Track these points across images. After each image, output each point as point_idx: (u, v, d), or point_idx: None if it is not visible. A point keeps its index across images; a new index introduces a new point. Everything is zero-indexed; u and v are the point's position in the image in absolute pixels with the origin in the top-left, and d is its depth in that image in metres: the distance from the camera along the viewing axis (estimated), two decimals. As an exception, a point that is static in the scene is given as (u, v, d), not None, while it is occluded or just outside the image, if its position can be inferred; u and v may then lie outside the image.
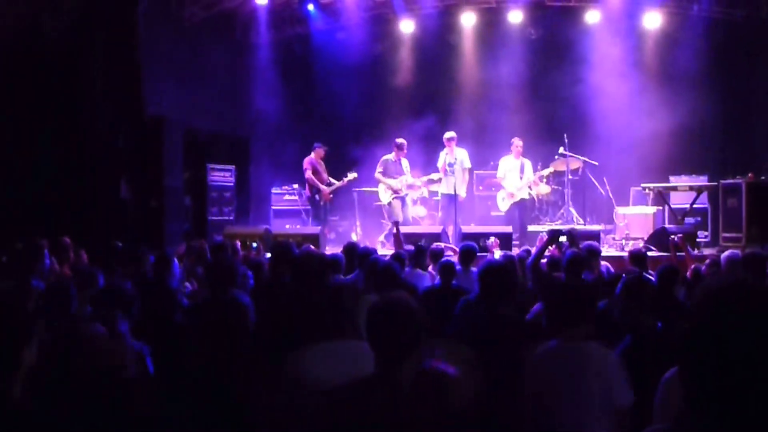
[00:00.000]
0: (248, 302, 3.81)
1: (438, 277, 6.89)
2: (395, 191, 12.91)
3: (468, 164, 12.85)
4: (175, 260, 7.28)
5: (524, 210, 12.85)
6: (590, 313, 3.96)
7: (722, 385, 1.64)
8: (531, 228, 12.85)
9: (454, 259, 8.23)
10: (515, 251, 9.66)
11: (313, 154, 13.15)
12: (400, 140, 13.02)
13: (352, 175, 13.17)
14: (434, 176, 13.18)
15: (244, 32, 14.91)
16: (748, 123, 14.11)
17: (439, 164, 12.81)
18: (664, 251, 10.75)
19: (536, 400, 3.82)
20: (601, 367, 3.68)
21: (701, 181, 13.10)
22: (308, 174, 13.06)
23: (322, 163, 13.25)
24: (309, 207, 13.57)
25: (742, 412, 1.62)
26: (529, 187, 13.01)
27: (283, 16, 14.95)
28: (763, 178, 12.23)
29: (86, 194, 11.25)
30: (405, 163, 13.04)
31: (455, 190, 12.47)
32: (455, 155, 12.63)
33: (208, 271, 5.87)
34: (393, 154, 12.97)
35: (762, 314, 1.67)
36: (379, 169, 12.97)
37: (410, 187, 13.18)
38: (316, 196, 13.10)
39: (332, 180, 13.21)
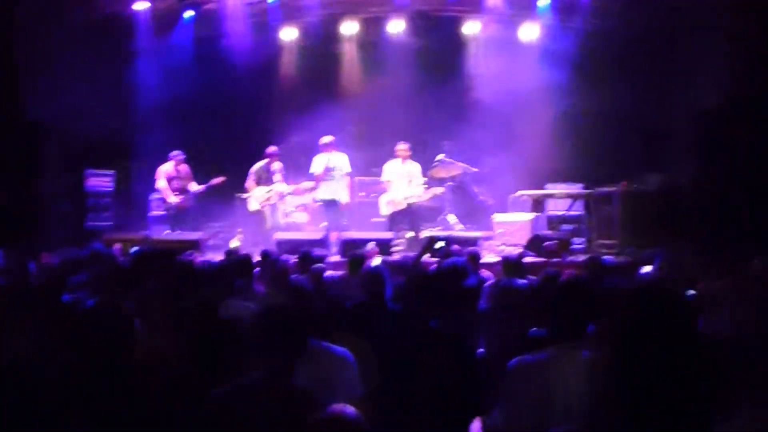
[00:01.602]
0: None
1: None
2: (266, 199, 12.55)
3: (348, 169, 12.37)
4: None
5: (415, 217, 12.40)
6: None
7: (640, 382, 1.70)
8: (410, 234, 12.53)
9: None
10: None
11: (170, 163, 12.74)
12: (271, 148, 12.62)
13: (216, 180, 12.68)
14: (304, 185, 13.14)
15: (127, 37, 14.00)
16: (621, 132, 14.52)
17: (315, 169, 12.27)
18: (540, 257, 10.99)
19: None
20: None
21: (577, 188, 13.18)
22: (158, 181, 12.69)
23: (183, 170, 12.79)
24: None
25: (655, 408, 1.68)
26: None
27: (165, 23, 14.18)
28: (635, 186, 12.67)
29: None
30: (277, 167, 12.62)
31: (335, 196, 12.16)
32: (334, 160, 12.24)
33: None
34: (264, 161, 12.63)
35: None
36: (251, 177, 12.61)
37: (281, 196, 12.85)
38: (164, 204, 12.79)
39: (192, 187, 12.78)
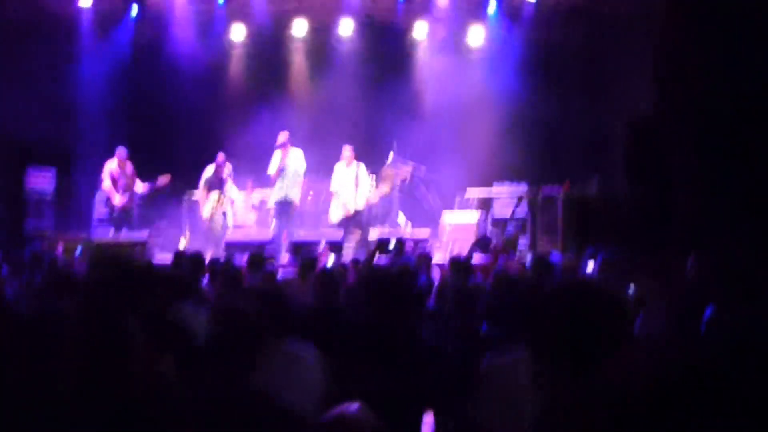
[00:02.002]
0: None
1: None
2: (218, 205, 12.49)
3: (303, 167, 12.31)
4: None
5: (360, 219, 12.41)
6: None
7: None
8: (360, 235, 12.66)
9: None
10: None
11: (114, 161, 12.47)
12: (220, 156, 12.55)
13: (162, 179, 12.50)
14: (255, 193, 13.17)
15: (69, 35, 13.77)
16: (563, 135, 14.86)
17: (272, 168, 12.22)
18: (487, 257, 11.19)
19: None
20: None
21: (522, 189, 13.59)
22: (103, 182, 12.45)
23: (127, 166, 12.53)
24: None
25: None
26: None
27: (109, 21, 13.93)
28: (576, 189, 12.94)
29: None
30: (228, 171, 12.59)
31: (288, 195, 12.11)
32: (289, 159, 12.16)
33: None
34: (213, 167, 12.56)
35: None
36: (202, 186, 12.59)
37: (233, 202, 12.89)
38: (108, 204, 12.58)
39: (137, 186, 12.56)
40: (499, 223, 12.67)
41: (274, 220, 12.54)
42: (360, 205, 12.41)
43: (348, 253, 11.17)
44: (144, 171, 12.82)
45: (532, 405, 3.09)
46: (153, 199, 13.02)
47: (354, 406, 2.58)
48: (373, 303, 4.23)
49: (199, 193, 12.70)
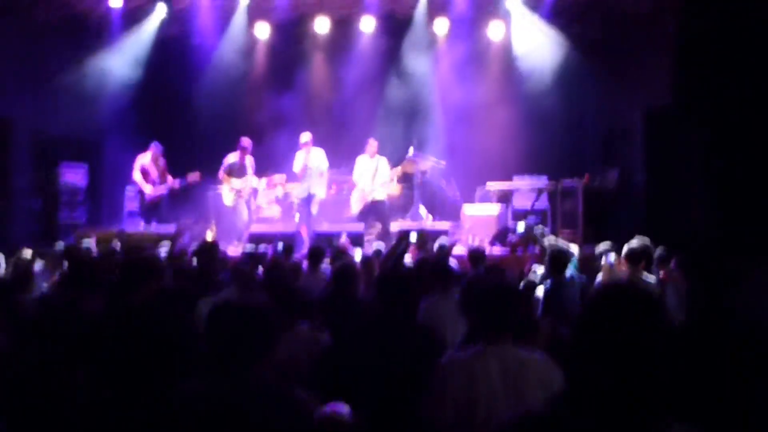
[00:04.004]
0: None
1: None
2: (238, 192, 12.67)
3: (325, 165, 12.51)
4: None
5: (382, 211, 12.57)
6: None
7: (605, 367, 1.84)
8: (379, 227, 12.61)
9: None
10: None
11: (147, 154, 12.61)
12: (245, 140, 12.68)
13: (192, 176, 12.63)
14: (276, 178, 13.07)
15: (98, 33, 13.92)
16: (583, 127, 14.87)
17: (296, 167, 12.44)
18: (506, 249, 11.23)
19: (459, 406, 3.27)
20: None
21: (542, 181, 13.54)
22: (134, 173, 12.55)
23: (160, 161, 12.69)
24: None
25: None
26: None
27: (136, 19, 14.06)
28: (596, 181, 12.94)
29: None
30: (249, 161, 12.70)
31: (312, 191, 12.26)
32: (312, 157, 12.41)
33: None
34: (237, 154, 12.68)
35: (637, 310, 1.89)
36: (224, 169, 12.68)
37: (254, 189, 12.94)
38: (139, 196, 12.76)
39: (168, 180, 12.70)
40: (519, 215, 12.67)
41: (298, 213, 12.66)
42: (378, 195, 12.52)
43: (369, 246, 11.23)
44: (170, 164, 13.02)
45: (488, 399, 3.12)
46: (179, 192, 13.15)
47: (344, 407, 2.60)
48: (390, 294, 4.17)
49: (221, 178, 12.79)
